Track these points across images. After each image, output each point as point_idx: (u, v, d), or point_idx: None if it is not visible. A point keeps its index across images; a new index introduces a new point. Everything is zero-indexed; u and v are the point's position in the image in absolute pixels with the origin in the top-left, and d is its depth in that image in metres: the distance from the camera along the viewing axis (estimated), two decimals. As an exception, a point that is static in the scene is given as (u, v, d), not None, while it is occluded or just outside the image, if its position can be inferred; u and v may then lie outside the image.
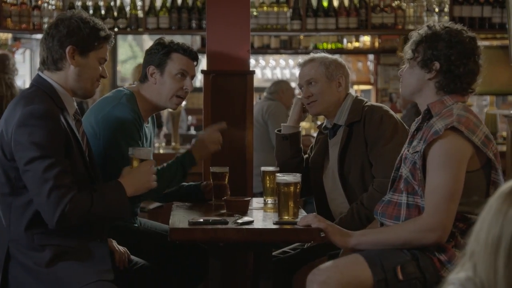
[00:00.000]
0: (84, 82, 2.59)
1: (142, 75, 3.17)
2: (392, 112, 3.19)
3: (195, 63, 3.18)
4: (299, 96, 3.35)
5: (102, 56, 2.62)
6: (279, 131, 3.38)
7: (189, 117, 8.62)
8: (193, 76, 3.18)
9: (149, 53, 3.17)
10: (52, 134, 2.42)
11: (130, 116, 3.01)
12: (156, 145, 5.84)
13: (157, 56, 3.12)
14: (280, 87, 6.40)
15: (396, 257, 2.42)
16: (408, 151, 2.54)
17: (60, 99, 2.54)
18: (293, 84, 6.93)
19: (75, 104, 2.62)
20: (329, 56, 3.28)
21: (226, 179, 3.22)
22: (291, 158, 3.32)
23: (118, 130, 2.97)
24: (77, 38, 2.55)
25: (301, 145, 3.38)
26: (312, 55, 3.29)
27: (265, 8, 6.00)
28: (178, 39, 3.30)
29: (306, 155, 3.40)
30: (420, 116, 2.63)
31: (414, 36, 2.57)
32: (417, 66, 2.54)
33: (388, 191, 2.65)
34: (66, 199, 2.38)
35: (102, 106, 3.05)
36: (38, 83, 2.56)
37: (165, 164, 3.11)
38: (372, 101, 3.27)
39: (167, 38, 3.20)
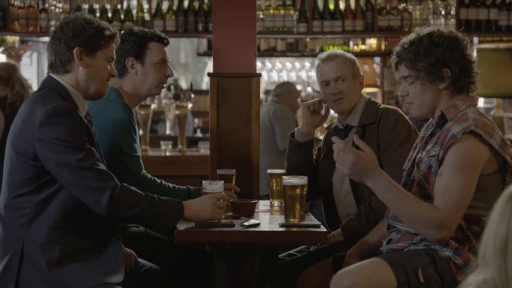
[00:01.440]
0: (95, 82, 2.60)
1: (119, 68, 3.12)
2: (406, 117, 3.16)
3: (166, 48, 3.22)
4: (305, 102, 3.30)
5: (109, 54, 2.64)
6: (292, 134, 3.31)
7: (196, 120, 8.62)
8: (168, 61, 3.23)
9: (122, 44, 3.11)
10: (77, 129, 2.46)
11: (124, 112, 3.01)
12: (163, 147, 5.84)
13: (134, 47, 3.12)
14: (286, 89, 6.39)
15: (416, 260, 2.42)
16: (422, 155, 2.52)
17: (72, 100, 2.56)
18: (299, 87, 6.93)
19: (86, 105, 2.64)
20: (347, 53, 3.25)
21: (233, 182, 3.22)
22: (303, 165, 3.25)
23: (114, 129, 2.97)
24: (83, 39, 2.57)
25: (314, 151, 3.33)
26: (332, 50, 3.25)
27: (271, 11, 6.00)
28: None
29: (314, 157, 3.38)
30: (430, 122, 2.61)
31: (407, 55, 2.51)
32: (427, 82, 2.50)
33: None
34: (113, 182, 2.46)
35: (92, 105, 3.02)
36: (49, 84, 2.58)
37: (177, 187, 3.11)
38: (378, 103, 3.22)
39: (136, 27, 3.21)
